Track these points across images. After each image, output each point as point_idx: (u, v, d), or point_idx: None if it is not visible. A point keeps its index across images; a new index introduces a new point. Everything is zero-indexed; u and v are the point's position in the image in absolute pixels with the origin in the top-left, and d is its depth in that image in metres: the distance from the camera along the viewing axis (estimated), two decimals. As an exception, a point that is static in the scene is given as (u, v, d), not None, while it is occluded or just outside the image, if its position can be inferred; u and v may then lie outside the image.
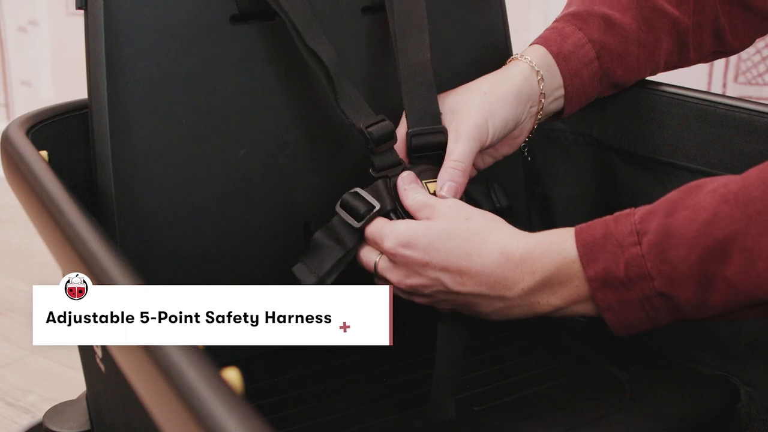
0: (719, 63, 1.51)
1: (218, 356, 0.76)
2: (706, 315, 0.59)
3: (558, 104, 0.84)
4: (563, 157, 0.97)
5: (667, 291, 0.59)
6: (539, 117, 0.83)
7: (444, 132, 0.78)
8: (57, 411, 0.81)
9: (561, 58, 0.82)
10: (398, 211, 0.74)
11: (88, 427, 0.79)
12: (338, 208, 0.75)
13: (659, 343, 0.88)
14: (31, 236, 2.25)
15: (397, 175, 0.76)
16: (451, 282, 0.68)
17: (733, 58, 1.49)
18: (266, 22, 0.80)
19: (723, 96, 0.82)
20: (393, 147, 0.78)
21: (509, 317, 0.68)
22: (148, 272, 0.75)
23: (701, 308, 0.58)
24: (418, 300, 0.72)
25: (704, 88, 1.50)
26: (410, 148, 0.79)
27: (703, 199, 0.59)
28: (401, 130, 0.79)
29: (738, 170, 0.79)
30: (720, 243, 0.57)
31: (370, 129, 0.76)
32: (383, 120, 0.77)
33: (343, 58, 0.84)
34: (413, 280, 0.70)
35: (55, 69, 2.54)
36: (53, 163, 0.72)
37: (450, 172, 0.76)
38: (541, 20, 1.54)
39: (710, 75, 1.52)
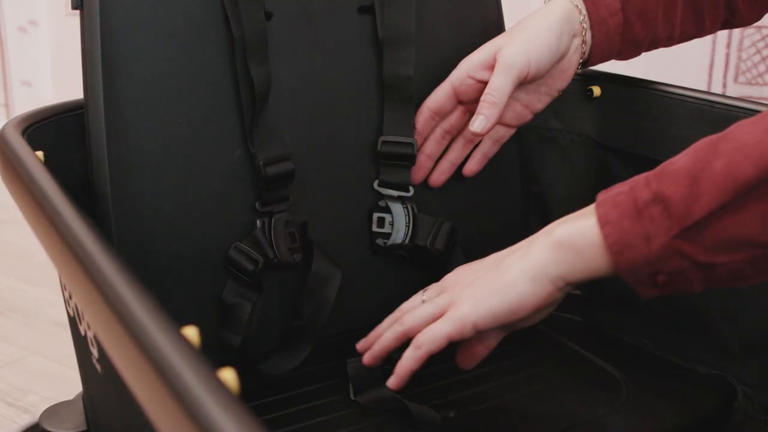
0: (719, 63, 1.51)
1: (214, 357, 0.76)
2: (698, 215, 0.58)
3: (586, 49, 0.84)
4: (560, 156, 0.97)
5: (661, 190, 0.60)
6: (584, 51, 0.84)
7: (413, 146, 0.85)
8: (53, 411, 0.81)
9: (590, 3, 0.83)
10: (277, 258, 0.80)
11: (84, 427, 0.79)
12: (230, 268, 0.80)
13: (656, 342, 0.88)
14: (31, 236, 2.22)
15: (282, 212, 0.81)
16: (490, 263, 0.71)
17: (733, 58, 1.49)
18: (265, 22, 0.80)
19: (720, 95, 0.82)
20: (287, 184, 0.81)
21: (525, 268, 0.67)
22: (145, 273, 0.75)
23: (693, 205, 0.58)
24: (449, 295, 0.72)
25: (704, 88, 1.50)
26: (379, 153, 0.85)
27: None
28: (455, 75, 0.85)
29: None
30: (712, 144, 0.59)
31: (268, 167, 0.79)
32: (285, 159, 0.80)
33: (338, 57, 0.84)
34: (464, 272, 0.73)
35: (55, 69, 2.54)
36: (49, 163, 0.72)
37: (481, 104, 0.80)
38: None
39: (710, 75, 1.52)
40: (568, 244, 0.65)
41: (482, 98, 0.80)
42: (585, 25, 0.82)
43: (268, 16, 0.80)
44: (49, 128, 0.76)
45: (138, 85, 0.75)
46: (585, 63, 0.86)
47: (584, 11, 0.82)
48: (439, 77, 0.86)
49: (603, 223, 0.62)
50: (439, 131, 0.87)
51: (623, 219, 0.61)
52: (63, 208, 0.53)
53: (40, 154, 0.66)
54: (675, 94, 0.85)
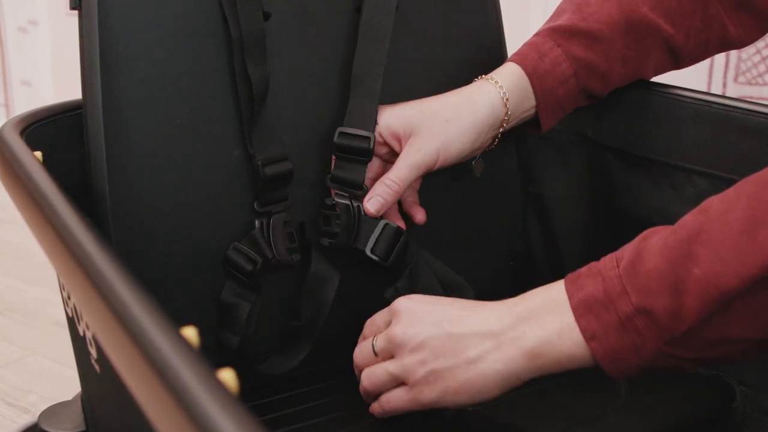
0: (719, 63, 1.51)
1: (213, 357, 0.76)
2: (685, 326, 0.58)
3: (529, 115, 0.85)
4: (558, 157, 0.97)
5: (643, 304, 0.59)
6: (498, 134, 0.84)
7: (369, 140, 0.81)
8: (52, 412, 0.81)
9: (536, 78, 0.82)
10: (275, 258, 0.79)
11: (83, 427, 0.79)
12: (228, 268, 0.79)
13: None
14: (31, 236, 2.22)
15: (280, 212, 0.81)
16: (449, 325, 0.67)
17: (733, 58, 1.49)
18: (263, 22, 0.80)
19: (718, 96, 0.82)
20: (285, 184, 0.81)
21: (496, 371, 0.65)
22: (143, 273, 0.75)
23: (679, 317, 0.58)
24: (401, 364, 0.69)
25: (704, 88, 1.50)
26: (334, 145, 0.82)
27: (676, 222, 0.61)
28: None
29: (732, 169, 0.79)
30: (685, 243, 0.58)
31: (266, 168, 0.78)
32: (284, 160, 0.80)
33: (336, 57, 0.84)
34: (412, 329, 0.68)
35: (55, 69, 2.54)
36: (48, 163, 0.72)
37: (383, 188, 0.80)
38: (540, 18, 1.54)
39: (710, 75, 1.52)
40: (544, 355, 0.64)
41: (384, 180, 0.80)
42: (509, 116, 0.83)
43: (267, 16, 0.80)
44: (47, 128, 0.76)
45: (136, 85, 0.75)
46: (536, 123, 0.86)
47: (522, 91, 0.82)
48: (436, 78, 0.86)
49: (588, 337, 0.62)
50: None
51: (609, 333, 0.61)
52: (61, 209, 0.53)
53: (38, 154, 0.66)
54: (674, 94, 0.85)
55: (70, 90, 2.62)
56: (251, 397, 0.78)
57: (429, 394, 0.67)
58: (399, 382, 0.69)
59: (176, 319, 0.40)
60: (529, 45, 0.84)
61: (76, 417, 0.80)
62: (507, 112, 0.82)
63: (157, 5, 0.76)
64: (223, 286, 0.79)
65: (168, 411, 0.36)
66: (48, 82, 2.57)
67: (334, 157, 0.83)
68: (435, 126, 0.81)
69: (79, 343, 0.68)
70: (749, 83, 1.50)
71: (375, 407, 0.72)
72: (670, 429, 0.76)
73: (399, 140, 0.82)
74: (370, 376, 0.71)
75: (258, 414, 0.75)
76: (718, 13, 0.86)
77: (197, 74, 0.77)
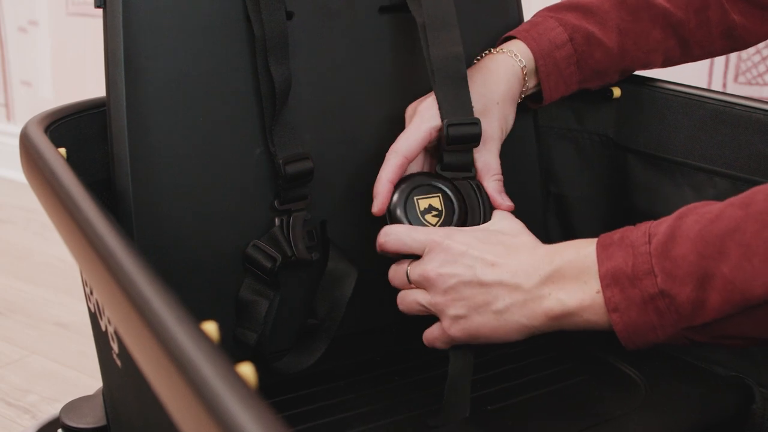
0: (719, 63, 1.50)
1: (230, 353, 0.77)
2: (705, 319, 0.59)
3: (532, 91, 0.87)
4: (579, 157, 0.97)
5: (668, 288, 0.60)
6: (520, 98, 0.87)
7: (478, 123, 0.79)
8: (73, 406, 0.82)
9: (532, 41, 0.84)
10: (295, 256, 0.79)
11: (104, 422, 0.80)
12: (248, 265, 0.80)
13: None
14: (31, 236, 2.27)
15: (300, 210, 0.81)
16: (481, 270, 0.70)
17: (733, 58, 1.49)
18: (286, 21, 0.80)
19: (739, 96, 0.82)
20: (306, 183, 0.81)
21: (520, 323, 0.69)
22: (166, 270, 0.76)
23: (700, 309, 0.59)
24: (433, 301, 0.72)
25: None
26: (448, 138, 0.78)
27: (714, 205, 0.61)
28: (432, 123, 0.79)
29: (753, 171, 0.79)
30: (719, 239, 0.58)
31: (287, 166, 0.79)
32: (305, 158, 0.80)
33: (359, 57, 0.84)
34: (447, 269, 0.71)
35: (55, 69, 2.55)
36: (71, 160, 0.73)
37: (496, 185, 0.81)
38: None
39: (710, 75, 1.51)
40: (566, 319, 0.67)
41: (496, 179, 0.81)
42: (525, 84, 0.85)
43: (290, 15, 0.80)
44: (71, 126, 0.77)
45: (160, 83, 0.75)
46: (539, 97, 0.87)
47: (524, 65, 0.84)
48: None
49: (611, 308, 0.63)
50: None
51: (631, 308, 0.62)
52: (85, 205, 0.54)
53: (62, 151, 0.67)
54: (693, 95, 0.85)
55: (70, 90, 2.64)
56: (267, 394, 0.78)
57: (456, 332, 0.72)
58: (430, 311, 0.73)
59: (196, 314, 0.40)
60: (524, 23, 0.88)
61: (98, 411, 0.81)
62: (525, 80, 0.85)
63: (180, 4, 0.76)
64: (242, 283, 0.80)
65: (188, 405, 0.36)
66: (48, 82, 2.58)
67: (440, 152, 0.80)
68: (493, 112, 0.82)
69: (100, 338, 0.69)
70: (749, 83, 1.49)
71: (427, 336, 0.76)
72: (688, 430, 0.76)
73: None
74: (404, 300, 0.75)
75: (276, 410, 0.76)
76: None
77: (220, 73, 0.78)
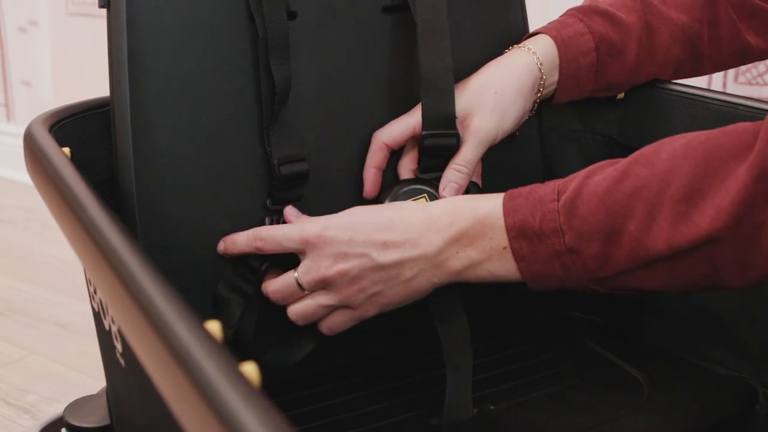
0: (719, 63, 1.50)
1: (236, 352, 0.77)
2: (609, 272, 0.62)
3: (550, 90, 0.86)
4: (582, 157, 0.97)
5: (576, 246, 0.62)
6: (537, 100, 0.86)
7: (456, 136, 0.81)
8: (77, 405, 0.82)
9: (560, 41, 0.84)
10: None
11: (107, 421, 0.80)
12: (238, 263, 0.79)
13: (677, 343, 0.88)
14: (31, 236, 2.28)
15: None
16: (377, 254, 0.70)
17: (732, 58, 1.49)
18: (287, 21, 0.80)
19: (742, 97, 0.82)
20: (301, 185, 0.80)
21: (431, 282, 0.70)
22: (169, 269, 0.76)
23: (606, 264, 0.62)
24: (339, 297, 0.72)
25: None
26: (422, 149, 0.81)
27: (620, 162, 0.63)
28: (417, 119, 0.81)
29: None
30: (626, 197, 0.61)
31: (282, 167, 0.78)
32: (301, 160, 0.79)
33: (362, 56, 0.84)
34: (341, 265, 0.71)
35: (55, 69, 2.55)
36: (75, 160, 0.73)
37: (454, 173, 0.80)
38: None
39: (710, 75, 1.51)
40: (474, 273, 0.68)
41: (452, 166, 0.80)
42: (544, 81, 0.84)
43: (292, 15, 0.80)
44: (75, 125, 0.77)
45: (163, 83, 0.75)
46: (549, 100, 0.87)
47: (547, 57, 0.83)
48: (462, 77, 0.86)
49: (518, 258, 0.65)
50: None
51: (537, 260, 0.64)
52: (89, 204, 0.54)
53: (66, 150, 0.67)
54: (696, 95, 0.85)
55: (70, 90, 2.63)
56: (268, 394, 0.78)
57: (372, 310, 0.73)
58: (337, 309, 0.73)
59: (199, 314, 0.40)
60: (552, 21, 0.87)
61: (101, 410, 0.81)
62: (542, 77, 0.84)
63: (184, 3, 0.76)
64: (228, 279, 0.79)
65: (191, 404, 0.36)
66: (48, 82, 2.58)
67: (418, 157, 0.82)
68: (487, 101, 0.82)
69: (104, 337, 0.69)
70: (749, 83, 1.49)
71: (322, 327, 0.75)
72: (691, 430, 0.76)
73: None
74: (303, 312, 0.74)
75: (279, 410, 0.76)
76: (728, 13, 0.87)
77: (224, 72, 0.78)
